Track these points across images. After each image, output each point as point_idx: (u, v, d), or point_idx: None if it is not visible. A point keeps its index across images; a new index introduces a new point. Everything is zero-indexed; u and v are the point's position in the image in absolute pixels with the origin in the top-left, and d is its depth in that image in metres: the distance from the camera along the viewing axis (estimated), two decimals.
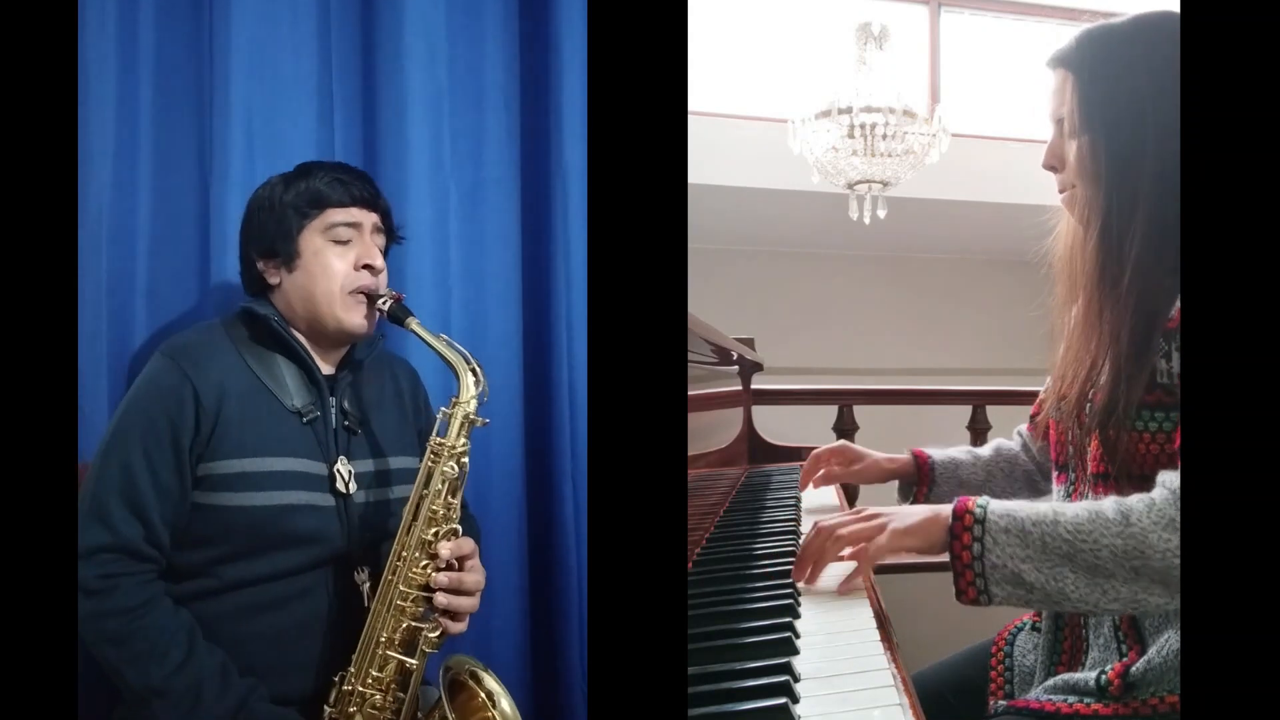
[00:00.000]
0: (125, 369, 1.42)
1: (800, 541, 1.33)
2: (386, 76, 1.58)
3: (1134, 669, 1.01)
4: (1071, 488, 1.14)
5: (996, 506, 0.96)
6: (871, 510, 1.06)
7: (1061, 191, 1.14)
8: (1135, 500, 0.94)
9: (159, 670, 1.12)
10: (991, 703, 1.16)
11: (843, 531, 1.04)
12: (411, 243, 1.57)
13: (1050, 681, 1.08)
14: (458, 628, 1.20)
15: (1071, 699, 1.03)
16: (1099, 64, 1.09)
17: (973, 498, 0.98)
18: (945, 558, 0.98)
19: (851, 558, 1.05)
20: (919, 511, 1.02)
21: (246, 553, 1.20)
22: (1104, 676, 1.02)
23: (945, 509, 0.98)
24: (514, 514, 1.64)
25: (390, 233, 1.35)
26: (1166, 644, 1.00)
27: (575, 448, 1.63)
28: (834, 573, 1.07)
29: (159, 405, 1.18)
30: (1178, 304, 1.00)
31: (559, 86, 1.63)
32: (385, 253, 1.33)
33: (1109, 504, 0.94)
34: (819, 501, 1.67)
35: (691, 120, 1.69)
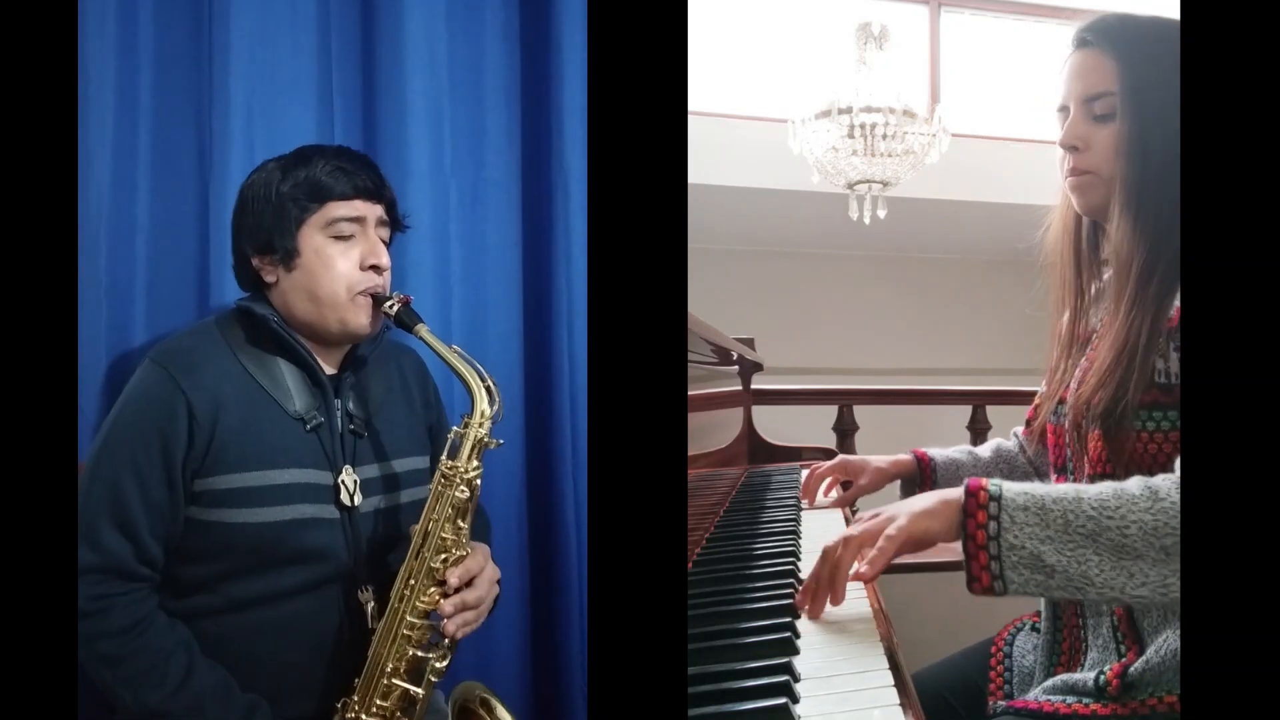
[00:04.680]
0: (125, 370, 1.41)
1: (800, 543, 1.33)
2: (386, 76, 1.58)
3: (1133, 669, 1.01)
4: None
5: (1012, 485, 0.91)
6: (875, 510, 1.01)
7: (1074, 174, 1.10)
8: (1161, 479, 0.90)
9: (158, 691, 1.08)
10: (991, 703, 1.16)
11: (855, 531, 0.97)
12: (411, 243, 1.57)
13: (1049, 682, 1.08)
14: (464, 633, 1.17)
15: (1070, 699, 1.03)
16: (1147, 52, 1.05)
17: (986, 479, 0.92)
18: (956, 548, 0.92)
19: (867, 559, 0.95)
20: (929, 496, 0.96)
21: (250, 569, 1.15)
22: (1103, 677, 1.02)
23: (956, 490, 0.93)
24: (514, 514, 1.64)
25: (395, 223, 1.28)
26: (1165, 644, 1.00)
27: (575, 448, 1.63)
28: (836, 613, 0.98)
29: (150, 419, 1.12)
30: (1176, 303, 1.00)
31: (559, 86, 1.63)
32: (389, 244, 1.27)
33: (1134, 482, 0.90)
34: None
35: (691, 120, 1.69)
